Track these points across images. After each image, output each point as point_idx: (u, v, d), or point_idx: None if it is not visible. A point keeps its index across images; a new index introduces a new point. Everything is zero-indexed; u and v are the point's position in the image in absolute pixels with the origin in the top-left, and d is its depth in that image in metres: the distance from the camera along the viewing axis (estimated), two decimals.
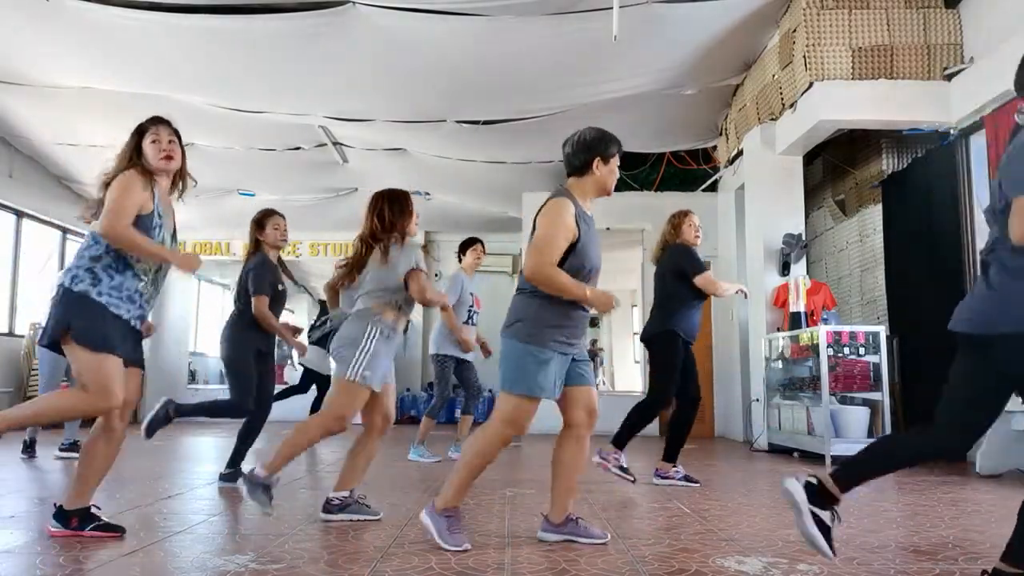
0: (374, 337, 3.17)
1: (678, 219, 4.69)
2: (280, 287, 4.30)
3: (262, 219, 4.31)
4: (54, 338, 2.69)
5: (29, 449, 5.65)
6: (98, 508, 2.89)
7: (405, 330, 3.56)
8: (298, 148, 8.69)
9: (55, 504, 2.88)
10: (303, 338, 5.08)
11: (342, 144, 8.58)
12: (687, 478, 4.46)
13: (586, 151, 2.80)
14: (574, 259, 2.70)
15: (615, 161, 2.85)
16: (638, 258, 9.09)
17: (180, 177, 3.00)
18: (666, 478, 4.48)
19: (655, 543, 2.80)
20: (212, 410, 4.18)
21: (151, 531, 2.94)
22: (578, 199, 2.78)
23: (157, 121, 2.95)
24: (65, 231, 10.03)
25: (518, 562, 2.48)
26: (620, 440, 4.49)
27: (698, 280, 4.44)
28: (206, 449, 6.77)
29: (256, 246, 4.31)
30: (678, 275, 4.48)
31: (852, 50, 6.09)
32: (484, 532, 2.94)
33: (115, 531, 2.82)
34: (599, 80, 7.02)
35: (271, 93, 7.21)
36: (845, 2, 6.13)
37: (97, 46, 6.30)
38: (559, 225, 2.66)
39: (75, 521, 2.80)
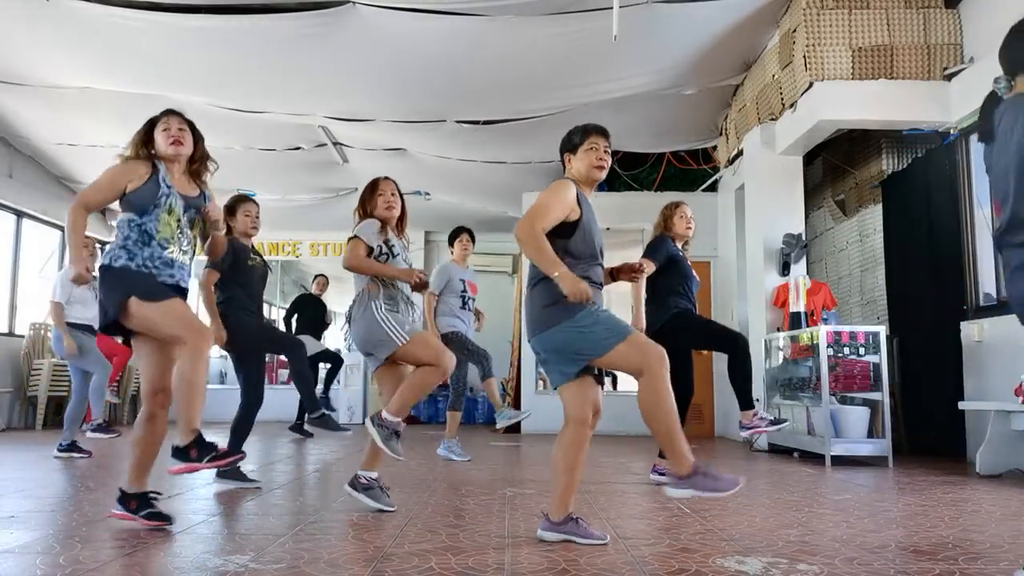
0: (381, 309, 3.35)
1: (669, 210, 4.68)
2: (250, 263, 4.27)
3: (233, 205, 4.32)
4: (113, 316, 2.86)
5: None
6: (156, 495, 3.04)
7: (409, 299, 3.56)
8: (298, 148, 8.69)
9: (119, 488, 3.03)
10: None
11: (342, 144, 8.58)
12: None
13: (560, 153, 2.98)
14: (580, 240, 2.78)
15: (586, 146, 2.88)
16: (638, 258, 9.06)
17: (199, 162, 3.17)
18: (663, 475, 4.47)
19: (655, 543, 2.80)
20: (237, 430, 4.24)
21: (151, 531, 2.94)
22: (579, 188, 2.88)
23: (168, 112, 3.13)
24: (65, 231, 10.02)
25: (518, 562, 2.48)
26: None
27: (641, 259, 4.40)
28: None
29: (227, 231, 4.31)
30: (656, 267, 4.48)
31: (852, 50, 6.09)
32: (484, 532, 2.94)
33: (164, 520, 2.95)
34: (599, 80, 7.02)
35: (271, 93, 7.20)
36: (845, 2, 6.13)
37: (97, 46, 6.30)
38: (557, 198, 2.74)
39: (133, 504, 2.97)
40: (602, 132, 2.93)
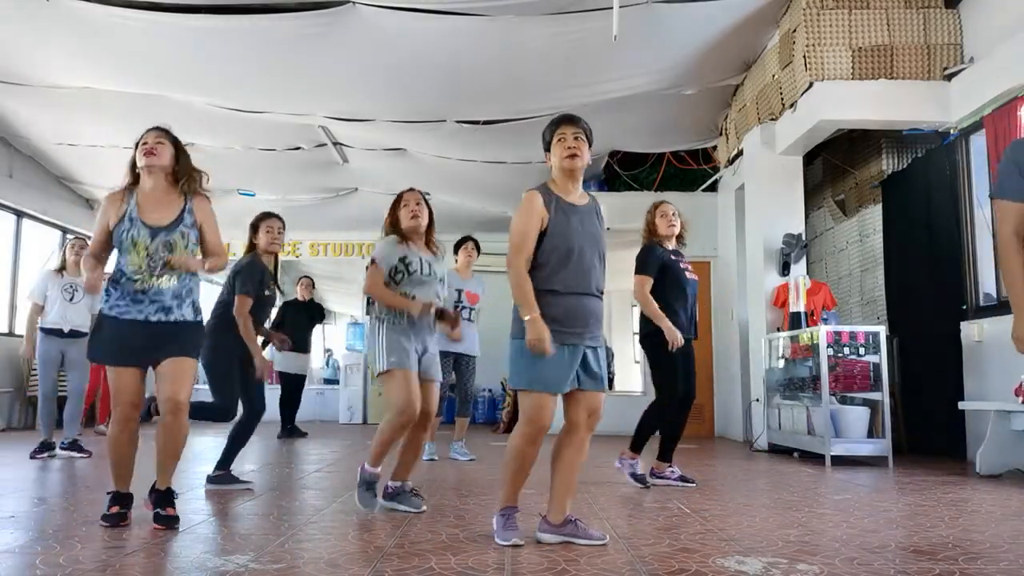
0: (381, 329, 3.40)
1: (650, 214, 4.62)
2: (266, 292, 4.24)
3: (257, 223, 4.34)
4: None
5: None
6: (174, 495, 3.17)
7: (440, 315, 3.57)
8: (298, 148, 8.68)
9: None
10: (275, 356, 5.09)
11: (342, 144, 8.58)
12: (683, 478, 4.44)
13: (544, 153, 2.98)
14: (547, 242, 2.76)
15: (555, 139, 2.88)
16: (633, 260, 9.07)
17: (186, 177, 3.17)
18: (662, 478, 4.47)
19: (655, 543, 2.80)
20: (195, 412, 4.13)
21: (151, 531, 2.94)
22: (557, 189, 2.89)
23: (149, 129, 3.19)
24: (65, 231, 10.02)
25: (518, 562, 2.48)
26: (636, 445, 4.46)
27: (635, 278, 4.41)
28: (206, 449, 6.76)
29: (251, 248, 4.35)
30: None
31: (852, 50, 6.08)
32: (484, 532, 2.94)
33: (168, 524, 3.02)
34: (599, 80, 7.01)
35: (271, 93, 7.20)
36: (845, 2, 6.13)
37: (97, 46, 6.30)
38: (526, 218, 2.78)
39: (153, 496, 3.15)
40: (569, 120, 2.89)
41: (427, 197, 3.76)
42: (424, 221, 3.62)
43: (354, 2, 5.52)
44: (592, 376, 2.81)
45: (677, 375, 4.38)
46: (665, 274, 4.44)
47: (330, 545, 2.73)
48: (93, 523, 3.05)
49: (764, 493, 4.20)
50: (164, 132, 3.18)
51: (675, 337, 4.22)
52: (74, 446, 5.62)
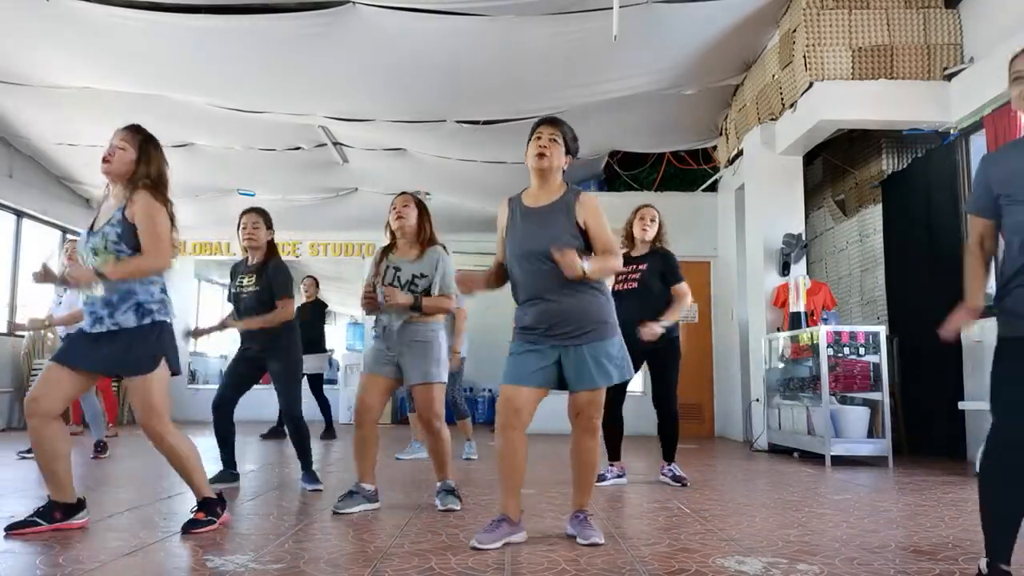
0: (370, 336, 3.68)
1: (631, 216, 4.67)
2: (234, 290, 4.23)
3: (238, 220, 4.30)
4: None
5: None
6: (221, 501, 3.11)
7: (407, 322, 3.55)
8: (298, 148, 8.68)
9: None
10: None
11: (342, 144, 8.58)
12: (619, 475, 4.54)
13: None
14: (504, 245, 2.93)
15: (532, 141, 2.86)
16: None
17: (140, 177, 2.94)
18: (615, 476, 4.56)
19: (655, 543, 2.80)
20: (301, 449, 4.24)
21: (151, 531, 2.94)
22: (526, 192, 2.92)
23: (117, 129, 3.01)
24: (65, 231, 10.02)
25: (518, 562, 2.48)
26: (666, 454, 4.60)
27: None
28: (206, 449, 6.76)
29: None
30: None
31: (852, 50, 6.09)
32: None
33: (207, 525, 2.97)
34: (599, 80, 7.01)
35: (271, 93, 7.20)
36: (845, 2, 6.13)
37: (97, 46, 6.30)
38: (498, 230, 2.99)
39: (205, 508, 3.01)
40: (550, 122, 2.87)
41: (428, 197, 3.77)
42: (409, 221, 3.61)
43: (354, 2, 5.52)
44: (571, 377, 2.78)
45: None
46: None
47: (330, 545, 2.73)
48: (93, 523, 3.04)
49: (764, 493, 4.20)
50: (128, 132, 2.97)
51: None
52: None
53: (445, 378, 3.57)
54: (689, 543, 2.79)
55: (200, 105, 7.33)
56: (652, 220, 4.57)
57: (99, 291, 2.86)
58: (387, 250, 3.69)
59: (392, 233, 3.68)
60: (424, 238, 3.66)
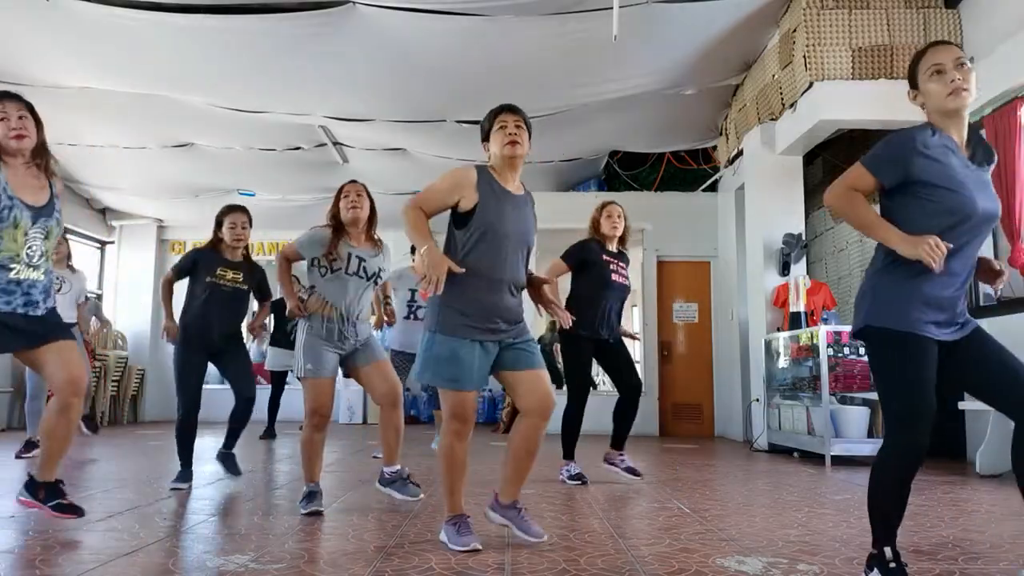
0: (302, 333, 3.44)
1: (597, 212, 4.65)
2: (209, 279, 4.18)
3: (221, 216, 4.27)
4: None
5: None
6: (62, 484, 3.00)
7: (348, 319, 3.46)
8: (298, 148, 8.68)
9: (28, 474, 3.00)
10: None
11: (342, 144, 8.58)
12: (630, 469, 4.48)
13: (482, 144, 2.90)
14: (474, 221, 2.67)
15: (496, 127, 2.79)
16: (638, 258, 9.08)
17: (42, 154, 2.89)
18: (612, 464, 4.51)
19: (655, 543, 2.80)
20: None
21: (151, 531, 2.94)
22: (498, 177, 2.77)
23: (3, 97, 2.80)
24: (65, 231, 10.02)
25: (518, 562, 2.48)
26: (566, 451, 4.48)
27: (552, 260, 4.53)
28: (206, 449, 6.77)
29: (214, 243, 4.29)
30: (573, 271, 4.53)
31: (852, 50, 6.09)
32: (484, 532, 2.93)
33: (74, 512, 2.94)
34: (599, 80, 7.01)
35: (271, 93, 7.20)
36: (845, 2, 6.13)
37: (97, 46, 6.29)
38: (442, 181, 2.75)
39: (42, 493, 2.93)
40: (510, 109, 2.83)
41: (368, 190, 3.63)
42: (363, 213, 3.51)
43: (354, 2, 5.52)
44: (521, 355, 2.72)
45: (577, 378, 4.46)
46: (589, 270, 4.50)
47: (330, 545, 2.73)
48: (93, 523, 3.05)
49: (764, 493, 4.20)
50: (25, 104, 2.82)
51: None
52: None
53: None
54: (689, 543, 2.79)
55: (200, 105, 7.33)
56: (620, 217, 4.60)
57: (42, 277, 2.84)
58: (339, 234, 3.47)
59: (335, 218, 3.49)
60: (372, 232, 3.63)
